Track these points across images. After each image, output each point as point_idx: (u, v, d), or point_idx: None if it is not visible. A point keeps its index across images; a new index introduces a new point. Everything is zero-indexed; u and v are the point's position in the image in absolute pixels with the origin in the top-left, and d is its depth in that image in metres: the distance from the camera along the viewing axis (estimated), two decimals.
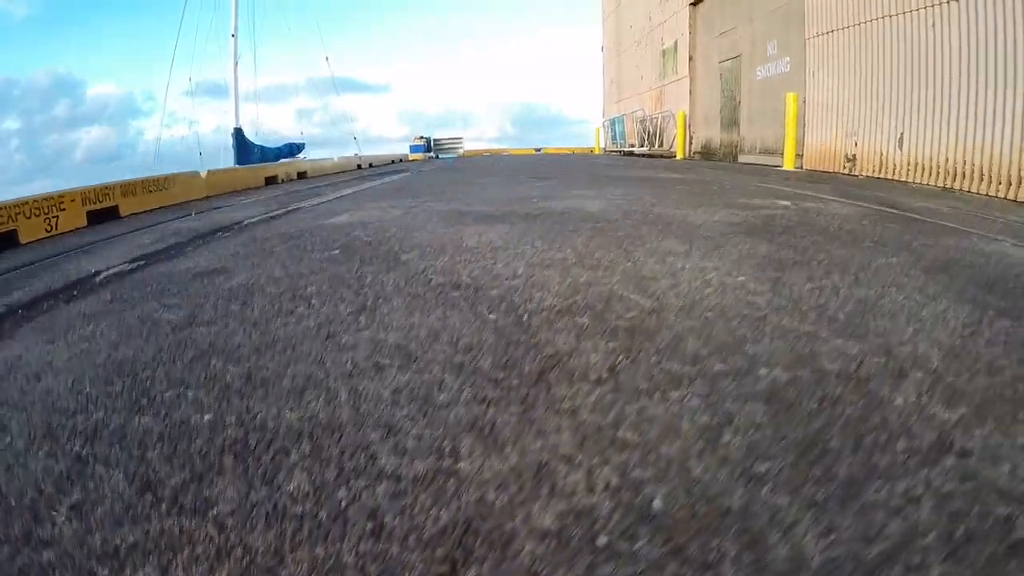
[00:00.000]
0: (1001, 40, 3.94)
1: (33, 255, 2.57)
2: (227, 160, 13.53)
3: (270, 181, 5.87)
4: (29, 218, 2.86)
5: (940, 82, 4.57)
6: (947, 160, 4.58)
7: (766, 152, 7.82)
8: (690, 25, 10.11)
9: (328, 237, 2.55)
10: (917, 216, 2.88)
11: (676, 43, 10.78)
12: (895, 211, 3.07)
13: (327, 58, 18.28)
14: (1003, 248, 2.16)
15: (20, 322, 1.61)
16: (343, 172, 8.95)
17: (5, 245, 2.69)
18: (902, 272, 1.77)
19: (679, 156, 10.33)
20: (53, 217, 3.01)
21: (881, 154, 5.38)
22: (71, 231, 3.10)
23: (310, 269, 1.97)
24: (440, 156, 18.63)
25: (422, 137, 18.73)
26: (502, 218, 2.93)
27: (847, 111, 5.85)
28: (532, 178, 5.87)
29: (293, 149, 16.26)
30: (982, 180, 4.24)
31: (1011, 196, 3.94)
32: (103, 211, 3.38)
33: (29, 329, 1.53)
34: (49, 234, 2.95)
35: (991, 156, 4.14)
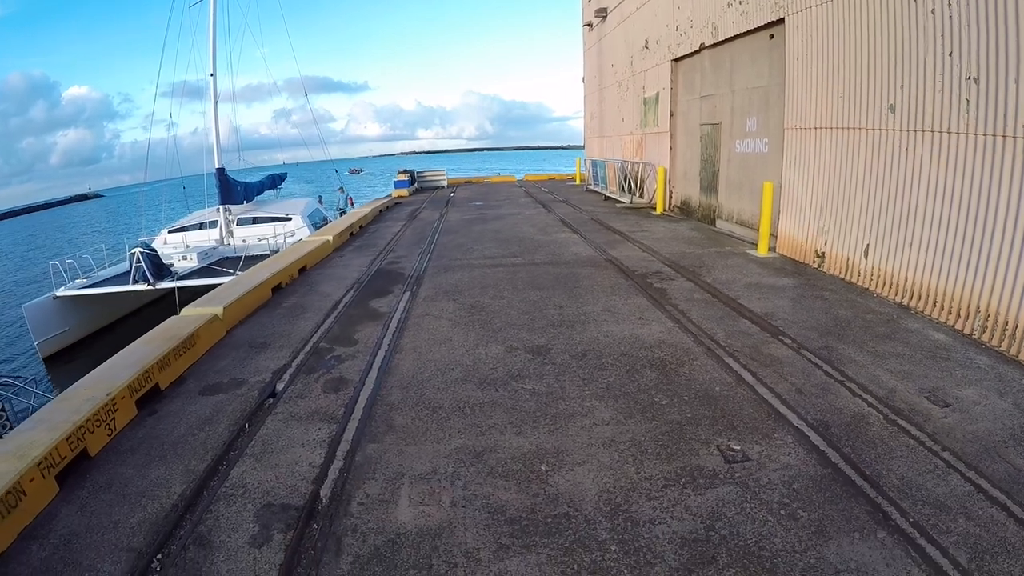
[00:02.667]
0: (966, 182, 4.34)
1: (105, 477, 2.80)
2: (210, 198, 13.40)
3: (276, 289, 6.00)
4: (93, 432, 3.03)
5: (907, 204, 4.99)
6: (906, 280, 5.18)
7: (742, 224, 8.36)
8: (672, 80, 10.51)
9: None
10: None
11: (658, 95, 11.19)
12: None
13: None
14: None
15: None
16: (343, 243, 8.97)
17: (81, 462, 2.90)
18: None
19: (659, 210, 10.84)
20: (111, 421, 3.19)
21: (848, 259, 5.93)
22: (128, 425, 3.30)
23: None
24: (423, 188, 18.88)
25: (406, 171, 18.99)
26: None
27: (820, 209, 6.30)
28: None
29: (275, 180, 16.13)
30: (935, 306, 4.85)
31: (959, 327, 4.53)
32: (147, 393, 3.56)
33: None
34: (111, 437, 3.15)
35: (945, 285, 4.70)
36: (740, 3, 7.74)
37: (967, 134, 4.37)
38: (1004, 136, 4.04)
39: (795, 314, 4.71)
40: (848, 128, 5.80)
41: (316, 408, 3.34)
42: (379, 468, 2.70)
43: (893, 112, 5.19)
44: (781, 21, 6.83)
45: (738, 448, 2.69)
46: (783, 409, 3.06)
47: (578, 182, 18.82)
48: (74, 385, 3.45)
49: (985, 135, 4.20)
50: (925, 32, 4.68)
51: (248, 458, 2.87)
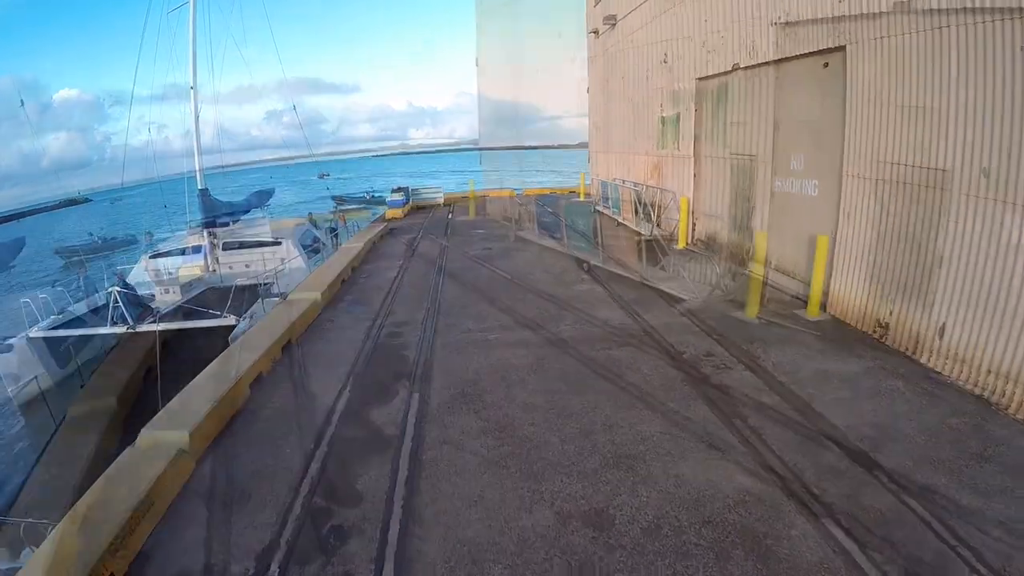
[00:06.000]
0: None
1: None
2: (188, 213, 12.83)
3: (284, 349, 6.17)
4: None
5: (997, 282, 4.43)
6: (989, 371, 4.59)
7: (781, 271, 7.82)
8: (696, 101, 9.92)
9: None
10: None
11: (679, 115, 10.59)
12: None
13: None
14: None
15: None
16: (333, 295, 8.48)
17: None
18: None
19: (681, 244, 10.29)
20: None
21: (918, 336, 5.39)
22: None
23: None
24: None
25: (400, 189, 18.67)
26: None
27: (886, 273, 5.71)
28: None
29: (262, 198, 15.23)
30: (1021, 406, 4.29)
31: None
32: None
33: None
34: None
35: None
36: (787, 24, 7.12)
37: None
38: None
39: (879, 425, 4.17)
40: (928, 187, 5.18)
41: None
42: None
43: (986, 177, 4.60)
44: (841, 49, 6.19)
45: None
46: None
47: (582, 198, 18.19)
48: None
49: None
50: None
51: None
